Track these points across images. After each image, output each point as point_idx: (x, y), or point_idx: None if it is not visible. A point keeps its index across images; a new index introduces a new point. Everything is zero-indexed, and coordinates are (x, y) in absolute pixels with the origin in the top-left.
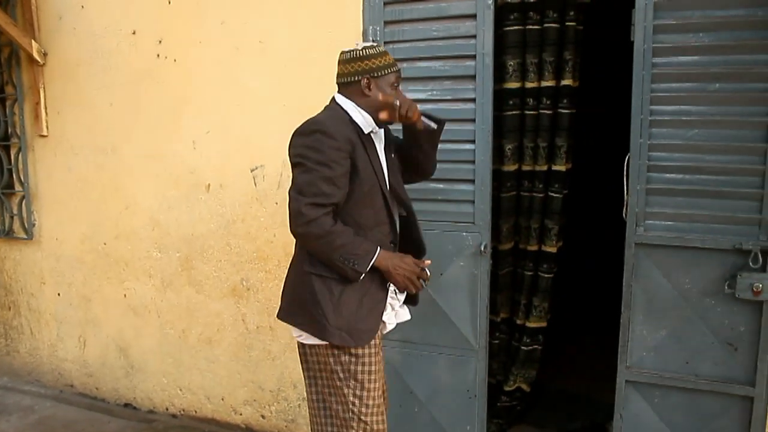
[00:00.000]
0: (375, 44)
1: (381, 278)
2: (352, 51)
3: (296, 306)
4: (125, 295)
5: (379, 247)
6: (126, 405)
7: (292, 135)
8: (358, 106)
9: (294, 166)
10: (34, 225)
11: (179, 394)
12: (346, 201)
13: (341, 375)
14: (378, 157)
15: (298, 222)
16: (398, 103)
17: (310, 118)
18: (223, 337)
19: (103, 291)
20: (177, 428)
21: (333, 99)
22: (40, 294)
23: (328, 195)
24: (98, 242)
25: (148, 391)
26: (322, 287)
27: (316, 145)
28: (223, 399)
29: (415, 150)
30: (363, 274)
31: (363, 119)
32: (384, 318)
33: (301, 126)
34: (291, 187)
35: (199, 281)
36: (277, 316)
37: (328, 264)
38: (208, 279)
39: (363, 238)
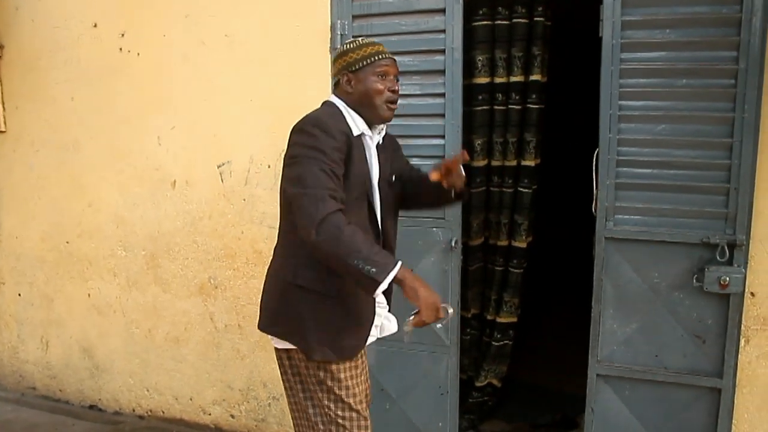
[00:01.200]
0: (362, 38)
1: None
2: (337, 49)
3: (278, 317)
4: (89, 295)
5: (399, 261)
6: (91, 407)
7: (291, 132)
8: (348, 106)
9: (289, 164)
10: None
11: (146, 394)
12: None
13: (313, 380)
14: (367, 163)
15: (316, 216)
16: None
17: (308, 114)
18: (191, 336)
19: (66, 290)
20: (144, 429)
21: (327, 100)
22: None
23: (334, 189)
24: (60, 240)
25: (114, 392)
26: (305, 299)
27: (316, 144)
28: (191, 399)
29: (426, 198)
30: (380, 287)
31: (353, 121)
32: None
33: (298, 122)
34: (289, 183)
35: (165, 280)
36: (258, 327)
37: (343, 270)
38: (174, 277)
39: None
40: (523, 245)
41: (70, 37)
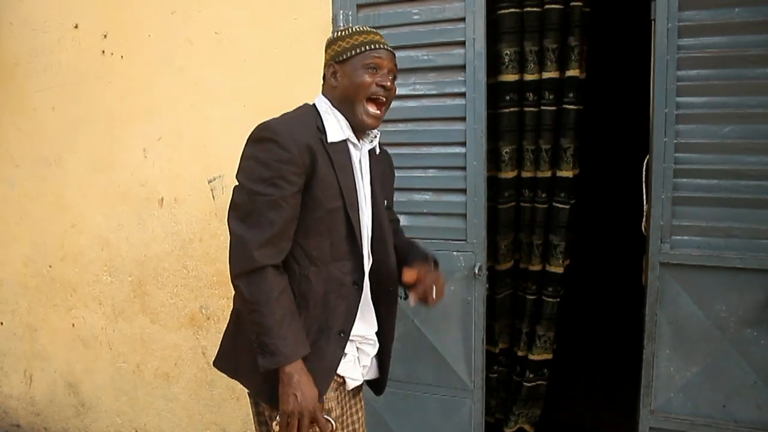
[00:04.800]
0: (358, 26)
1: (340, 326)
2: (327, 38)
3: (227, 350)
4: (73, 325)
5: (299, 360)
6: None
7: (246, 141)
8: (334, 104)
9: (238, 182)
10: None
11: None
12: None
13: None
14: (351, 173)
15: (237, 267)
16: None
17: (266, 121)
18: (182, 373)
19: (50, 320)
20: None
21: (317, 99)
22: None
23: (272, 222)
24: (43, 265)
25: None
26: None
27: (263, 157)
28: None
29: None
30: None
31: (336, 123)
32: (343, 372)
33: (254, 130)
34: (231, 207)
35: (153, 309)
36: (213, 362)
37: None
38: (163, 306)
39: (296, 327)
40: (560, 270)
41: (51, 40)
